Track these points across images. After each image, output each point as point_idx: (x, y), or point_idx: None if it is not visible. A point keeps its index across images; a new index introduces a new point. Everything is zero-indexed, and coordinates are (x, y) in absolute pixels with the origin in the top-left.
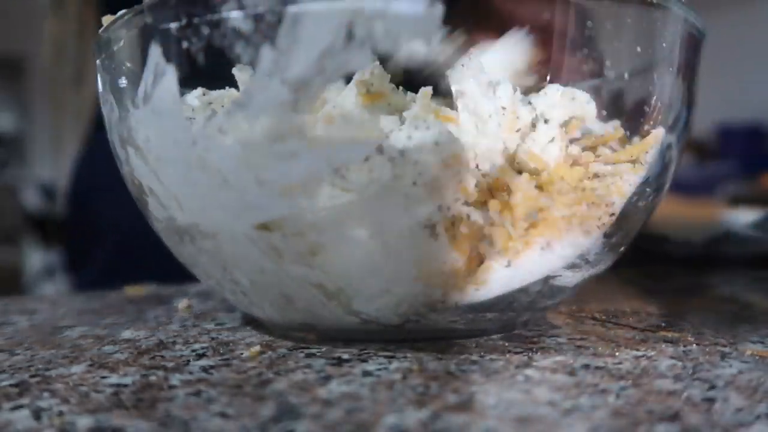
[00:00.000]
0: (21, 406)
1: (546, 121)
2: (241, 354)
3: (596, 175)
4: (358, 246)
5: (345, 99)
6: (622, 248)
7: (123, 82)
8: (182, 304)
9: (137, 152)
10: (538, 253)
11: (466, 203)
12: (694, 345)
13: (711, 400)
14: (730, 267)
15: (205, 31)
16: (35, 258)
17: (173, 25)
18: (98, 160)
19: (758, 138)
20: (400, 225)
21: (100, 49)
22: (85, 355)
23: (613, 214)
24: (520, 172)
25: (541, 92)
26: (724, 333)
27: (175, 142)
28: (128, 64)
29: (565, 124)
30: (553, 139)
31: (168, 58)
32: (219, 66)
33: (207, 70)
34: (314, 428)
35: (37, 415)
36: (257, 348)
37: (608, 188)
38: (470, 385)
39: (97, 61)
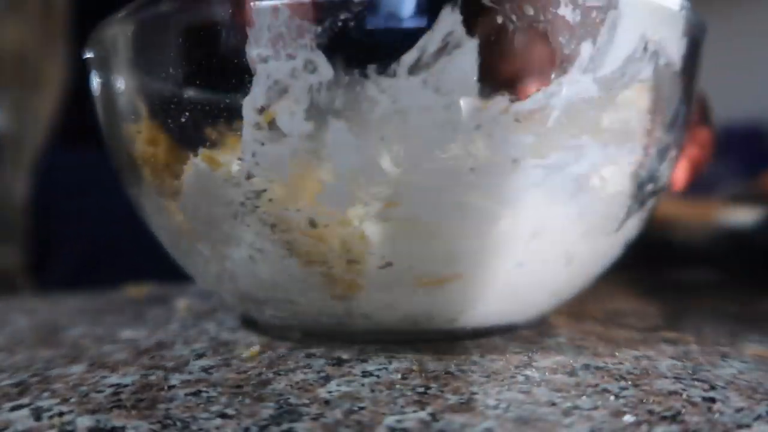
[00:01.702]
0: (21, 406)
1: None
2: (241, 354)
3: None
4: None
5: None
6: None
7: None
8: (182, 304)
9: (350, 124)
10: None
11: None
12: (694, 345)
13: (711, 400)
14: (730, 267)
15: (528, 11)
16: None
17: None
18: (63, 169)
19: (758, 138)
20: None
21: None
22: (85, 355)
23: None
24: None
25: None
26: (724, 333)
27: (450, 121)
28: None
29: None
30: None
31: (471, 30)
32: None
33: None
34: (314, 428)
35: (37, 415)
36: (257, 348)
37: None
38: (470, 385)
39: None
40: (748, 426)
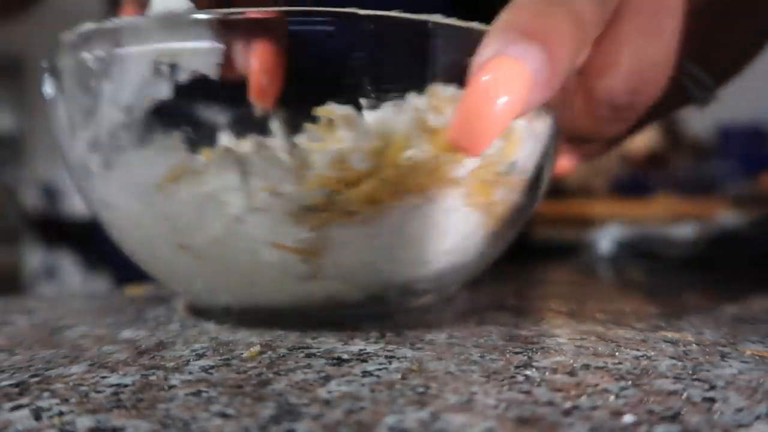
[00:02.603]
0: (21, 406)
1: None
2: (241, 354)
3: None
4: None
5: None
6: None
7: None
8: (182, 304)
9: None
10: None
11: None
12: (694, 345)
13: (711, 400)
14: (730, 267)
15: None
16: (34, 258)
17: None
18: None
19: (758, 138)
20: None
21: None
22: (85, 355)
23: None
24: None
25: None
26: (724, 333)
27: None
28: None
29: None
30: None
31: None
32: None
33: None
34: (314, 428)
35: (37, 415)
36: (257, 348)
37: None
38: (470, 385)
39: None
40: (748, 426)
